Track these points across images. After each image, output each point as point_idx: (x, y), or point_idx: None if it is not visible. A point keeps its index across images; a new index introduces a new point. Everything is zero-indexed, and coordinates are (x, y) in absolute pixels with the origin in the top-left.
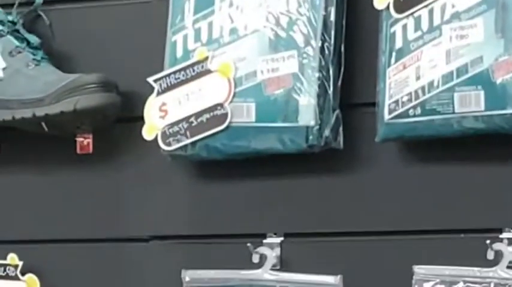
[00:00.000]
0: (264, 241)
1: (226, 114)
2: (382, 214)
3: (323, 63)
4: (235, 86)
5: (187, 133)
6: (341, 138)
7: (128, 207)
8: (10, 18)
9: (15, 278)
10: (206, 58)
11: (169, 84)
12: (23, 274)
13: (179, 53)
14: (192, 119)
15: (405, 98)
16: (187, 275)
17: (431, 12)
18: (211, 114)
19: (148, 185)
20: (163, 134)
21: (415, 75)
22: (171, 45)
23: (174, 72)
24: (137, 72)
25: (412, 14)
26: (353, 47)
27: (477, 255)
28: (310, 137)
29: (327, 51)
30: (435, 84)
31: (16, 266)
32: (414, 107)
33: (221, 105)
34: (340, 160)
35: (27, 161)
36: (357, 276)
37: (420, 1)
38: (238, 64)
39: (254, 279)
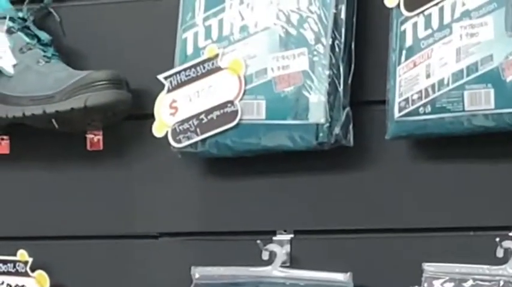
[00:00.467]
0: (274, 238)
1: (236, 112)
2: (392, 211)
3: (333, 61)
4: (246, 84)
5: (198, 130)
6: (351, 136)
7: (138, 204)
8: (21, 15)
9: (25, 274)
10: (216, 55)
11: (179, 81)
12: (32, 270)
13: (189, 50)
14: (202, 116)
15: (415, 96)
16: (197, 272)
17: (441, 10)
18: (222, 111)
19: (158, 182)
20: (174, 131)
21: (425, 73)
22: (181, 43)
23: (185, 70)
24: (147, 69)
25: (422, 12)
26: (363, 44)
27: (486, 253)
28: (320, 135)
29: (337, 49)
30: (445, 82)
31: (26, 263)
32: (424, 105)
33: (231, 102)
34: (350, 157)
35: (38, 158)
36: (367, 273)
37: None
38: (249, 61)
39: (264, 276)
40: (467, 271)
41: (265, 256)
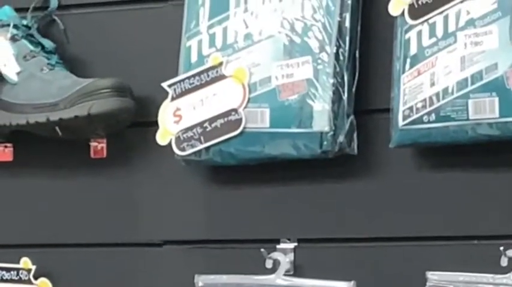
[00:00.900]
0: (278, 246)
1: (240, 120)
2: (396, 219)
3: (338, 69)
4: (250, 92)
5: (201, 138)
6: (355, 144)
7: (142, 212)
8: (25, 22)
9: (28, 282)
10: (221, 63)
11: (183, 89)
12: (35, 278)
13: (194, 58)
14: (206, 124)
15: (419, 105)
16: (201, 280)
17: (446, 18)
18: (226, 119)
19: (162, 190)
20: (177, 139)
21: (430, 82)
22: (185, 51)
23: (189, 78)
24: (152, 77)
25: (427, 20)
26: (368, 53)
27: (491, 262)
28: (325, 143)
29: (341, 57)
30: (450, 90)
31: (29, 270)
32: (428, 114)
33: (235, 110)
34: (354, 165)
35: (41, 166)
36: (371, 282)
37: (435, 8)
38: (253, 69)
39: (267, 284)
40: (471, 279)
41: (268, 264)
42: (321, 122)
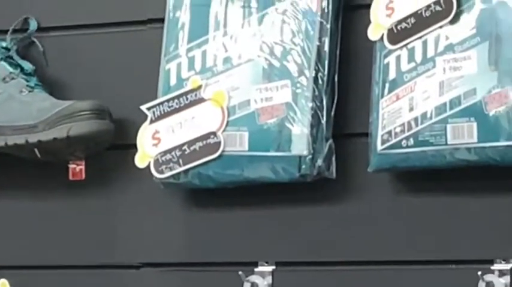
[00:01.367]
0: (256, 269)
1: (219, 143)
2: (374, 243)
3: (316, 93)
4: (229, 115)
5: (180, 161)
6: (334, 168)
7: (120, 234)
8: (4, 44)
9: None
10: (200, 87)
11: (162, 112)
12: None
13: (173, 81)
14: (185, 147)
15: (398, 129)
16: None
17: (425, 43)
18: (204, 142)
19: (141, 213)
20: (156, 161)
21: (408, 107)
22: (164, 74)
23: (168, 101)
24: (131, 100)
25: (405, 45)
26: (347, 77)
27: (469, 286)
28: (303, 167)
29: (320, 81)
30: (428, 115)
31: None
32: (407, 138)
33: (214, 133)
34: (332, 189)
35: (20, 187)
36: None
37: (414, 33)
38: (232, 93)
39: None
40: None
41: None
42: (300, 146)
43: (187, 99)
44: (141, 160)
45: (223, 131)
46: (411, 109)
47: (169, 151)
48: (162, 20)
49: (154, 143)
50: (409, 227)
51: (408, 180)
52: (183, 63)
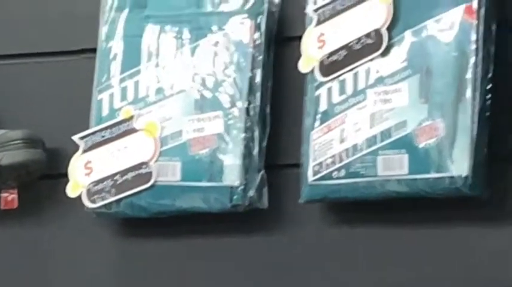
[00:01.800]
0: None
1: (151, 173)
2: (305, 273)
3: (248, 124)
4: (161, 145)
5: (112, 191)
6: (265, 199)
7: (52, 263)
8: None
9: None
10: (132, 117)
11: (95, 142)
12: None
13: (105, 111)
14: (117, 177)
15: (329, 161)
16: None
17: (356, 76)
18: (136, 172)
19: (73, 242)
20: (88, 191)
21: (340, 138)
22: (97, 104)
23: (100, 130)
24: (63, 130)
25: (337, 77)
26: (279, 108)
27: None
28: (235, 197)
29: (252, 112)
30: (359, 147)
31: None
32: (338, 170)
33: (146, 163)
34: (264, 219)
35: None
36: None
37: (345, 65)
38: (164, 123)
39: None
40: None
41: None
42: (232, 177)
43: (119, 129)
44: (73, 189)
45: (156, 161)
46: (342, 141)
47: (101, 181)
48: (95, 50)
49: (86, 172)
50: (341, 257)
51: (339, 211)
52: (116, 94)
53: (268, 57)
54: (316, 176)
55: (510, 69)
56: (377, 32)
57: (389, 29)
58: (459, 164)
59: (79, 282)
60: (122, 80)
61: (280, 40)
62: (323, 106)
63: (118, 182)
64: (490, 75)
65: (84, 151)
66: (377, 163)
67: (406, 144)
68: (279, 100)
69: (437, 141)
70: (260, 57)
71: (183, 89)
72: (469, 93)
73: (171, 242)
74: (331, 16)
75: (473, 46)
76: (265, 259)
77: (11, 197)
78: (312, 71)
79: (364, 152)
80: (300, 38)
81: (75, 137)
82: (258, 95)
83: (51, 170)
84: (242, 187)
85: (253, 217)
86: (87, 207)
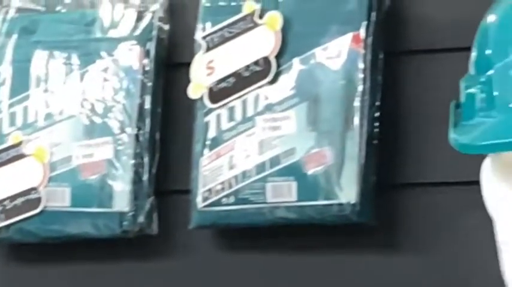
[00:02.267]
0: None
1: (40, 199)
2: None
3: (138, 150)
4: (50, 171)
5: (1, 216)
6: (155, 224)
7: None
8: None
9: None
10: (21, 142)
11: None
12: None
13: None
14: (6, 202)
15: (218, 187)
16: None
17: (244, 103)
18: (26, 198)
19: None
20: None
21: (229, 165)
22: None
23: None
24: None
25: (225, 104)
26: (169, 134)
27: None
28: (125, 223)
29: (142, 139)
30: (248, 174)
31: None
32: (227, 196)
33: (35, 189)
34: (154, 245)
35: None
36: None
37: (234, 92)
38: (54, 149)
39: None
40: None
41: None
42: (121, 203)
43: (8, 154)
44: None
45: (45, 186)
46: (231, 167)
47: None
48: None
49: None
50: (231, 283)
51: (229, 237)
52: (4, 119)
53: (158, 84)
54: (206, 203)
55: (397, 98)
56: (265, 59)
57: (278, 56)
58: (347, 192)
59: None
60: (10, 106)
61: (170, 66)
62: (212, 133)
63: (7, 208)
64: (377, 103)
65: None
66: (266, 190)
67: (294, 171)
68: (168, 126)
69: (325, 168)
70: (150, 84)
71: (73, 115)
72: (356, 121)
73: (61, 268)
74: (220, 43)
75: (361, 74)
76: (155, 285)
77: None
78: (201, 98)
79: (253, 178)
80: (189, 64)
81: None
82: (148, 121)
83: None
84: (132, 212)
85: (143, 243)
86: None
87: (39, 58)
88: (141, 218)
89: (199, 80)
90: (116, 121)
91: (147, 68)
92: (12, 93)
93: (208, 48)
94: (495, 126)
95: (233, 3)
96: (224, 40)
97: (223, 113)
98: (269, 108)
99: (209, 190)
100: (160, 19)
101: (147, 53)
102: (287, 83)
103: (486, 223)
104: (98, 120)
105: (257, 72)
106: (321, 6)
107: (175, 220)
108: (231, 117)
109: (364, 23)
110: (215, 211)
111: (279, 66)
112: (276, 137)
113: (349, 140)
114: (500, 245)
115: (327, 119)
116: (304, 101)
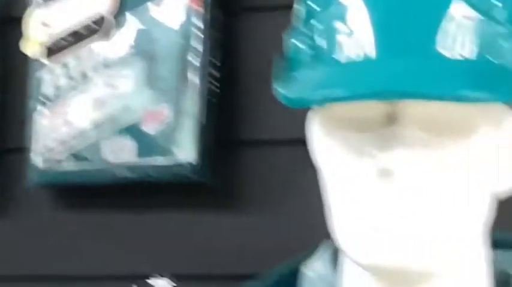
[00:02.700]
0: None
1: None
2: (35, 258)
3: None
4: None
5: None
6: None
7: None
8: None
9: None
10: None
11: None
12: None
13: None
14: None
15: (55, 145)
16: None
17: (80, 60)
18: None
19: None
20: None
21: (66, 123)
22: None
23: None
24: None
25: (61, 61)
26: (5, 91)
27: None
28: None
29: None
30: (85, 132)
31: None
32: (65, 155)
33: None
34: None
35: None
36: None
37: (70, 49)
38: None
39: None
40: None
41: None
42: None
43: None
44: None
45: None
46: (68, 125)
47: None
48: None
49: None
50: (72, 242)
51: (69, 196)
52: None
53: None
54: (43, 161)
55: (237, 58)
56: (102, 17)
57: (115, 14)
58: (185, 150)
59: None
60: None
61: (6, 21)
62: (47, 90)
63: None
64: (216, 62)
65: None
66: (104, 149)
67: (132, 129)
68: (6, 83)
69: (163, 126)
70: None
71: None
72: (194, 79)
73: None
74: None
75: (199, 33)
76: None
77: None
78: (36, 54)
79: (91, 137)
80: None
81: None
82: None
83: None
84: None
85: None
86: None
87: None
88: None
89: (34, 36)
90: None
91: None
92: None
93: (44, 3)
94: (319, 79)
95: None
96: None
97: (59, 70)
98: (106, 66)
99: (46, 149)
100: None
101: None
102: (124, 40)
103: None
104: None
105: (94, 30)
106: None
107: (13, 179)
108: (66, 75)
109: None
110: (52, 170)
111: (116, 24)
112: (113, 95)
113: (186, 99)
114: (326, 197)
115: (164, 77)
116: (141, 60)
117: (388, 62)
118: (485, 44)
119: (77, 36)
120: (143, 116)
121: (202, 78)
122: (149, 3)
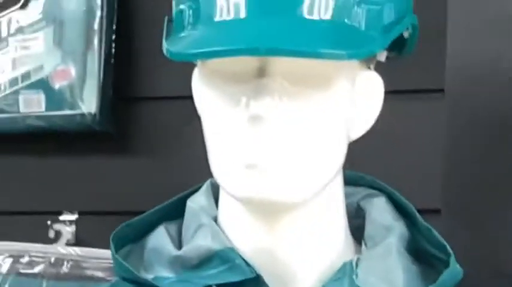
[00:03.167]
0: None
1: None
2: None
3: None
4: None
5: None
6: None
7: None
8: None
9: None
10: None
11: None
12: None
13: None
14: None
15: None
16: None
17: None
18: None
19: None
20: None
21: None
22: None
23: None
24: None
25: None
26: None
27: (40, 234)
28: None
29: None
30: (2, 87)
31: None
32: None
33: None
34: None
35: None
36: None
37: None
38: None
39: None
40: (24, 248)
41: None
42: None
43: None
44: None
45: None
46: None
47: None
48: None
49: None
50: None
51: None
52: None
53: None
54: None
55: (130, 23)
56: None
57: None
58: (88, 103)
59: None
60: None
61: None
62: None
63: None
64: (114, 27)
65: None
66: (19, 101)
67: (43, 85)
68: None
69: (70, 83)
70: None
71: None
72: (96, 42)
73: None
74: None
75: (99, 2)
76: None
77: None
78: None
79: (8, 91)
80: None
81: None
82: None
83: None
84: None
85: None
86: None
87: None
88: None
89: None
90: None
91: None
92: None
93: None
94: (200, 37)
95: None
96: None
97: None
98: (20, 30)
99: None
100: None
101: None
102: (36, 8)
103: None
104: None
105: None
106: None
107: None
108: None
109: None
110: None
111: None
112: (26, 55)
113: (89, 59)
114: (206, 141)
115: (71, 41)
116: (51, 25)
117: (257, 22)
118: (342, 8)
119: None
120: (53, 73)
121: (103, 42)
122: None
